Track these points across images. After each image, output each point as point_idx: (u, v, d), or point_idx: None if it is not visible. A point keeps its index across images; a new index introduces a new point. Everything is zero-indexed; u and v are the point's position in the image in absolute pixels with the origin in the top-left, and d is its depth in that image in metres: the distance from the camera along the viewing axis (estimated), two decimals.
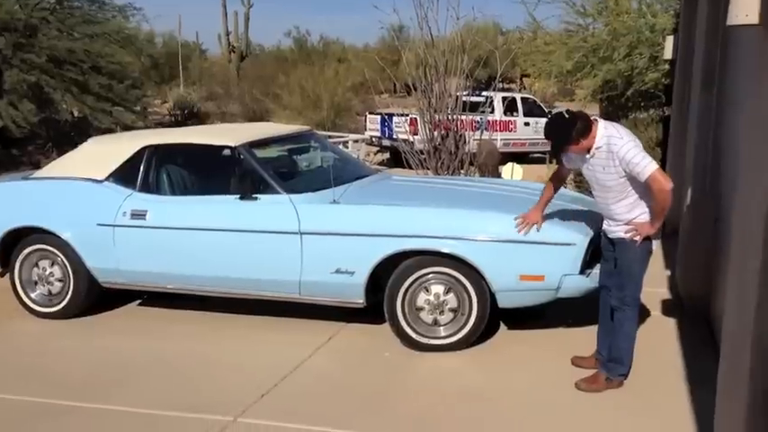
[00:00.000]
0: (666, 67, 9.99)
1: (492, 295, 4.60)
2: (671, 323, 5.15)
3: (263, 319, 5.38)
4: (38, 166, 9.08)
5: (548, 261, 4.51)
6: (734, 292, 2.73)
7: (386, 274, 4.75)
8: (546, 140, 4.03)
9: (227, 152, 5.36)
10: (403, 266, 4.70)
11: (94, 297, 5.55)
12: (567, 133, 3.82)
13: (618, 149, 3.76)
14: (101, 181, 5.43)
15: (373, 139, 16.57)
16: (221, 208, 5.12)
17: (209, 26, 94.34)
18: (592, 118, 3.91)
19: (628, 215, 3.91)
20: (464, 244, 4.57)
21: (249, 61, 34.85)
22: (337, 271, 4.77)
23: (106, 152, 5.71)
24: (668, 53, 8.18)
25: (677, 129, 7.79)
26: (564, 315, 5.12)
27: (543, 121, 16.91)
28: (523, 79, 33.46)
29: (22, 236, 5.54)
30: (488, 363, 4.60)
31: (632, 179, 3.81)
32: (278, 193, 5.00)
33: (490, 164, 9.92)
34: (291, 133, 6.30)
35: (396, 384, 4.32)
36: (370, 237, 4.72)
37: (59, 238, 5.40)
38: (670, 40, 8.16)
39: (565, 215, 4.69)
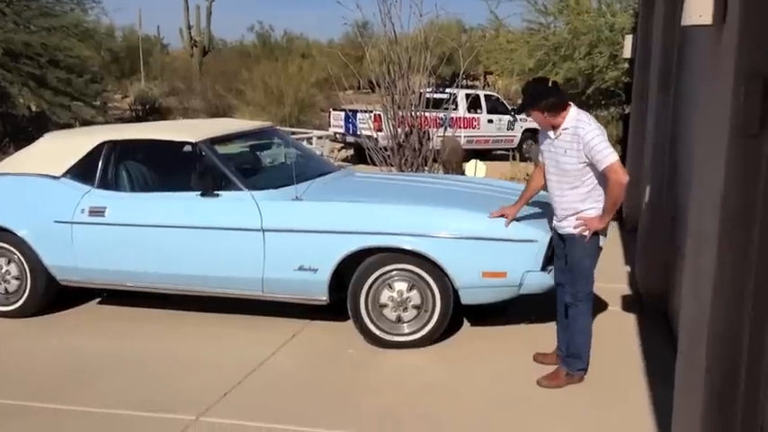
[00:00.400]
0: (626, 65, 10.15)
1: (455, 292, 4.63)
2: (631, 319, 5.24)
3: (226, 317, 5.33)
4: None
5: (510, 258, 4.55)
6: (689, 292, 2.79)
7: (349, 271, 4.75)
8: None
9: (187, 148, 5.31)
10: (366, 263, 4.70)
11: (52, 295, 5.45)
12: (537, 99, 3.93)
13: (584, 134, 3.84)
14: (58, 177, 5.33)
15: (337, 136, 16.53)
16: (182, 204, 5.06)
17: (171, 20, 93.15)
18: (568, 102, 3.98)
19: (578, 205, 3.96)
20: (426, 241, 4.58)
21: (211, 56, 34.45)
22: (300, 268, 4.75)
23: (64, 148, 5.61)
24: (627, 52, 8.32)
25: (636, 127, 7.92)
26: (526, 311, 5.17)
27: (506, 118, 17.23)
28: (487, 76, 33.67)
29: None
30: (452, 359, 4.63)
31: (591, 167, 3.87)
32: (240, 189, 4.97)
33: (454, 160, 9.98)
34: (253, 129, 6.26)
35: (359, 381, 4.32)
36: (332, 234, 4.71)
37: (16, 235, 5.29)
38: (629, 39, 8.29)
39: (526, 212, 4.73)
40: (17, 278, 5.38)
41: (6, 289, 5.42)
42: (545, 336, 4.63)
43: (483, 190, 5.58)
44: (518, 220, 4.57)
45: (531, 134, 16.92)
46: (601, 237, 4.02)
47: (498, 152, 16.81)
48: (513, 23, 13.26)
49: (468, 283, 4.59)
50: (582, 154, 3.85)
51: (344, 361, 4.60)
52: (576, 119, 3.91)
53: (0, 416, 3.87)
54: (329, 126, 17.20)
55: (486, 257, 4.56)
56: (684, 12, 2.66)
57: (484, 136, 16.93)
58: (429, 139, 8.46)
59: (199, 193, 5.00)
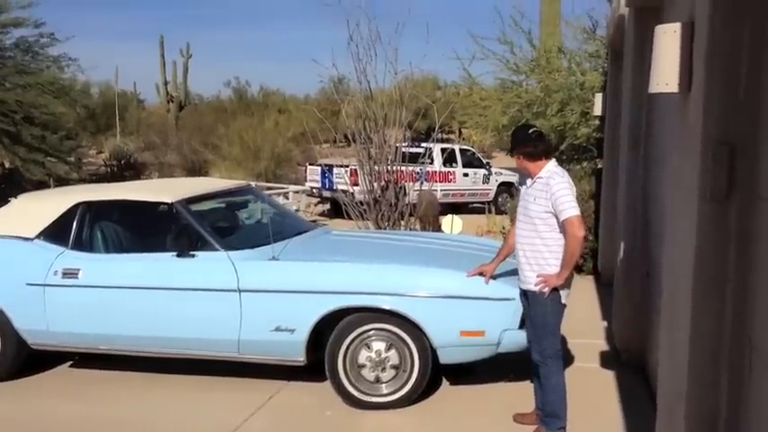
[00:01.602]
0: (597, 122, 10.35)
1: (433, 351, 4.61)
2: (609, 375, 5.23)
3: (201, 379, 5.24)
4: None
5: (487, 316, 4.55)
6: (666, 349, 2.80)
7: (327, 331, 4.71)
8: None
9: (163, 208, 5.29)
10: (344, 323, 4.67)
11: (24, 359, 5.33)
12: (515, 144, 4.14)
13: (554, 184, 3.98)
14: (31, 239, 5.26)
15: (314, 191, 16.58)
16: (158, 266, 5.01)
17: (148, 75, 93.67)
18: (549, 157, 4.13)
19: (538, 254, 4.03)
20: (404, 300, 4.57)
21: (188, 111, 34.56)
22: (277, 329, 4.71)
23: (37, 209, 5.56)
24: (598, 110, 8.50)
25: (609, 181, 8.04)
26: (504, 370, 5.14)
27: (482, 171, 17.42)
28: (462, 131, 34.12)
29: None
30: (431, 420, 4.58)
31: (555, 220, 3.96)
32: (216, 249, 4.94)
33: (430, 214, 10.02)
34: (229, 188, 6.25)
35: None
36: (310, 294, 4.68)
37: None
38: (599, 98, 8.49)
39: (502, 269, 4.74)
40: None
41: None
42: (524, 395, 4.60)
43: (458, 248, 5.61)
44: (494, 278, 4.58)
45: (506, 187, 17.13)
46: (562, 293, 4.05)
47: (474, 205, 16.95)
48: (486, 81, 13.43)
49: (446, 343, 4.58)
50: (549, 203, 3.97)
51: (322, 423, 4.53)
52: (551, 171, 4.04)
53: None
54: (305, 181, 17.25)
55: (464, 316, 4.56)
56: (651, 79, 2.75)
57: (460, 189, 17.09)
58: (405, 193, 8.52)
59: (175, 253, 4.96)
